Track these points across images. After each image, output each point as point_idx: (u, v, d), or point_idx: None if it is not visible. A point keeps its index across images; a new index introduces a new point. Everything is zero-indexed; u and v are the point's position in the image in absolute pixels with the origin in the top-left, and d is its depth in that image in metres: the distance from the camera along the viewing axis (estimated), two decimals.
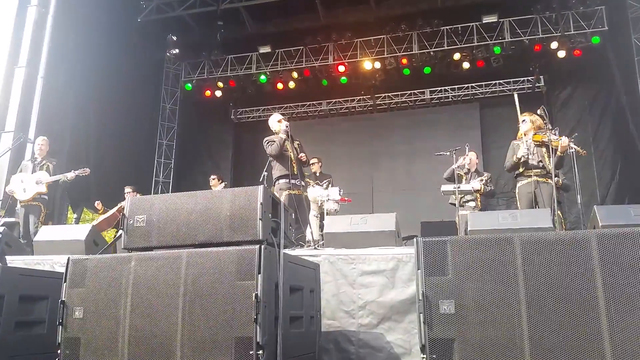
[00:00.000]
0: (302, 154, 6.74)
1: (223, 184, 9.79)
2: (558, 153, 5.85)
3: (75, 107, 10.10)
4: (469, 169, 8.07)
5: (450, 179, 7.60)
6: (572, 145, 5.90)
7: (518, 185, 6.31)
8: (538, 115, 6.24)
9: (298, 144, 6.92)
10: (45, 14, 9.49)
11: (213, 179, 9.93)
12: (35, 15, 9.38)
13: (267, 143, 6.72)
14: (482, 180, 7.72)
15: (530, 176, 6.16)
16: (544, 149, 6.12)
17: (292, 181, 6.58)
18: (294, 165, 6.64)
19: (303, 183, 6.84)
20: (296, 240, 5.98)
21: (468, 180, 7.85)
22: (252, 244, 2.90)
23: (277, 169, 6.74)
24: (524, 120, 6.41)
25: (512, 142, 6.52)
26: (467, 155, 7.99)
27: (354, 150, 13.06)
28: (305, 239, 6.16)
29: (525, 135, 6.34)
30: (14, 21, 9.34)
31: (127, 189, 9.22)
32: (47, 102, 9.25)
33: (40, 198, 7.34)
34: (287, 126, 6.67)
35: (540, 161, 6.13)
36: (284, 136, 6.63)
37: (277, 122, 6.84)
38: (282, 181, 6.69)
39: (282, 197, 6.60)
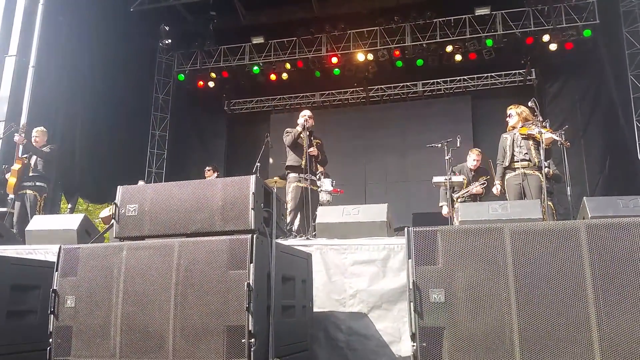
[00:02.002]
0: (312, 149, 6.84)
1: (216, 174, 9.77)
2: (544, 146, 5.90)
3: (67, 97, 10.04)
4: (471, 169, 7.68)
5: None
6: (555, 137, 5.95)
7: (506, 177, 6.37)
8: (528, 107, 6.27)
9: (317, 143, 7.02)
10: (36, 2, 9.39)
11: (208, 170, 9.91)
12: (25, 4, 9.28)
13: (285, 134, 6.98)
14: (483, 184, 7.50)
15: (517, 168, 6.21)
16: (530, 141, 6.15)
17: (301, 175, 6.75)
18: (303, 158, 6.72)
19: (313, 177, 6.92)
20: (299, 231, 6.03)
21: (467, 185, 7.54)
22: (244, 234, 2.91)
23: (289, 159, 6.92)
24: (510, 115, 6.45)
25: (502, 135, 6.56)
26: (473, 161, 7.65)
27: (347, 142, 13.07)
28: (311, 231, 6.17)
29: (514, 128, 6.39)
30: (4, 9, 9.25)
31: (141, 183, 9.20)
32: (39, 92, 9.18)
33: (35, 186, 7.29)
34: (305, 120, 6.86)
35: (527, 153, 6.16)
36: (299, 129, 6.84)
37: (300, 116, 7.02)
38: (292, 174, 6.86)
39: (290, 188, 6.78)
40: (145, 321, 2.90)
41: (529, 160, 6.14)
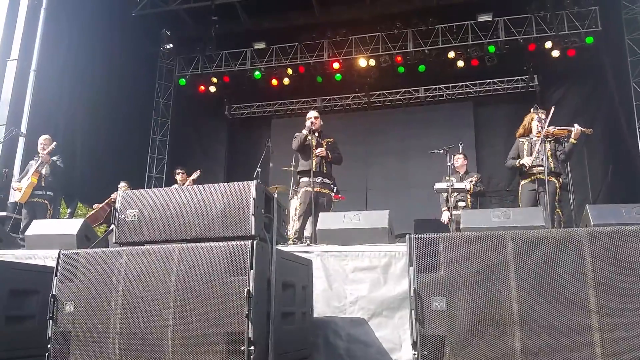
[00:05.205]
0: (320, 149, 6.62)
1: (191, 180, 9.11)
2: (572, 140, 5.87)
3: (68, 101, 10.05)
4: (457, 171, 7.93)
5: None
6: (577, 126, 5.92)
7: (521, 183, 6.31)
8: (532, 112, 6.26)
9: (327, 142, 6.81)
10: (38, 6, 9.43)
11: (180, 174, 9.47)
12: (27, 8, 9.31)
13: (293, 138, 6.77)
14: (471, 181, 7.66)
15: (534, 174, 6.16)
16: (548, 147, 6.10)
17: (310, 179, 6.48)
18: (313, 161, 6.53)
19: (326, 180, 6.71)
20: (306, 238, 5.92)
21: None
22: (245, 240, 2.89)
23: (300, 165, 6.77)
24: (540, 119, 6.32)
25: (518, 139, 6.49)
26: (454, 160, 7.81)
27: (348, 148, 12.91)
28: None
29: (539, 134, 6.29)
30: (6, 14, 9.28)
31: (122, 184, 9.16)
32: (40, 96, 9.20)
33: (46, 195, 7.45)
34: (311, 123, 6.65)
35: (544, 159, 6.09)
36: (305, 132, 6.63)
37: (307, 119, 6.80)
38: (303, 179, 6.68)
39: (300, 192, 6.63)
40: (144, 327, 2.88)
41: (547, 166, 6.08)
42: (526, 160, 6.22)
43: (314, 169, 6.48)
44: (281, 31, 12.41)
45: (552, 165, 6.03)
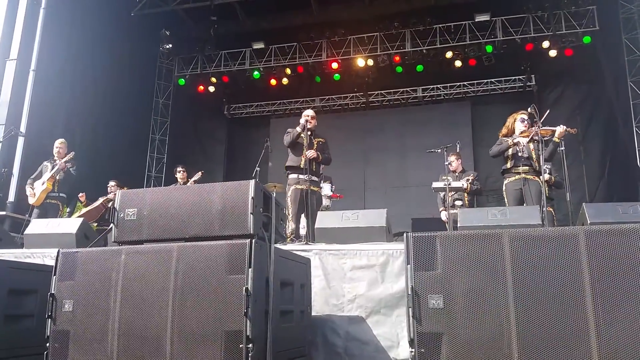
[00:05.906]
0: (310, 152, 6.54)
1: (192, 182, 9.05)
2: (555, 139, 5.85)
3: (67, 101, 10.05)
4: (454, 171, 7.91)
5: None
6: (561, 126, 5.91)
7: (505, 182, 6.26)
8: (528, 113, 6.24)
9: (319, 142, 6.79)
10: (37, 6, 9.43)
11: (180, 172, 9.37)
12: (27, 8, 9.31)
13: (285, 134, 6.76)
14: (468, 179, 7.64)
15: (518, 173, 6.13)
16: (532, 146, 6.10)
17: (301, 176, 6.51)
18: (303, 158, 6.51)
19: (314, 178, 6.65)
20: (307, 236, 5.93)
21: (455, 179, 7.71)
22: (243, 238, 2.89)
23: (289, 160, 6.72)
24: (523, 120, 6.30)
25: (502, 138, 6.47)
26: (448, 162, 7.83)
27: (347, 147, 13.07)
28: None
29: (511, 133, 6.30)
30: (6, 13, 9.28)
31: (111, 183, 9.12)
32: (39, 95, 9.20)
33: (59, 197, 7.53)
34: (306, 121, 6.63)
35: (528, 158, 6.10)
36: (298, 129, 6.61)
37: (303, 116, 6.78)
38: (291, 175, 6.65)
39: (290, 191, 6.58)
40: (143, 326, 2.89)
41: (530, 165, 6.09)
42: (522, 140, 6.16)
43: (302, 166, 6.47)
44: (280, 31, 12.44)
45: (536, 165, 6.02)
